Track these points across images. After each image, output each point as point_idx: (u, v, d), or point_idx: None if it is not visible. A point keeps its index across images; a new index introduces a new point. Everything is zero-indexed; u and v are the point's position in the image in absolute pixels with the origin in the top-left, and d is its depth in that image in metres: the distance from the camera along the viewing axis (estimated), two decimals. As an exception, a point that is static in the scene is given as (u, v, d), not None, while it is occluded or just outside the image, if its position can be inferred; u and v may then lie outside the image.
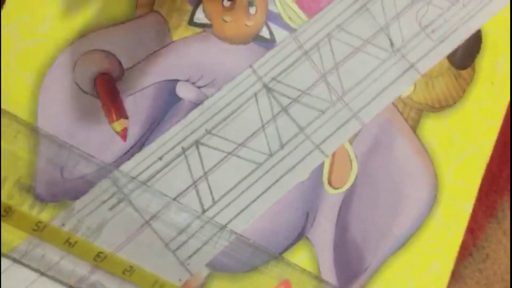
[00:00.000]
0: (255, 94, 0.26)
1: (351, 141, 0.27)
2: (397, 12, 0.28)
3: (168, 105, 0.25)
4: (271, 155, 0.26)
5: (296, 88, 0.27)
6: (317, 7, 0.27)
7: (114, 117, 0.25)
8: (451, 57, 0.28)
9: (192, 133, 0.25)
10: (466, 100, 0.29)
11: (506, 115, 0.29)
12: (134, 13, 0.25)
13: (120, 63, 0.25)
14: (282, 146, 0.26)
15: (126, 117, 0.25)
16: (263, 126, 0.26)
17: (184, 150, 0.25)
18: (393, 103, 0.28)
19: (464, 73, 0.29)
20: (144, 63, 0.25)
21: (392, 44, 0.28)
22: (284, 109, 0.26)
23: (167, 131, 0.25)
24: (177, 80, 0.26)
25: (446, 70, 0.28)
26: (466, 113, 0.28)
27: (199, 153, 0.25)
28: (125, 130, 0.25)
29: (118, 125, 0.25)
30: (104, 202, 0.24)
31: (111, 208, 0.24)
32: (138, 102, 0.25)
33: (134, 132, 0.25)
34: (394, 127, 0.28)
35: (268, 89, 0.26)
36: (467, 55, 0.29)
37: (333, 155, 0.27)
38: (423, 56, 0.28)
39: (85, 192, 0.24)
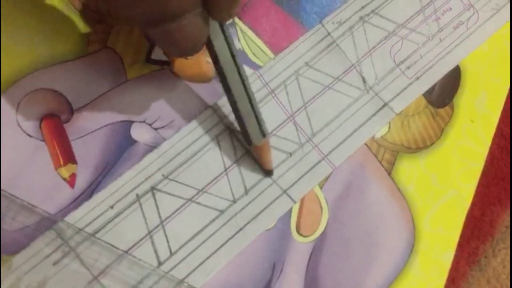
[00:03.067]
0: (217, 136, 0.24)
1: (321, 186, 0.25)
2: (369, 48, 0.26)
3: (121, 148, 0.24)
4: (234, 201, 0.24)
5: (261, 129, 0.25)
6: (283, 43, 0.26)
7: (61, 162, 0.23)
8: (427, 95, 0.27)
9: (147, 178, 0.24)
10: (445, 140, 0.27)
11: (490, 154, 0.27)
12: (86, 49, 0.23)
13: (69, 103, 0.23)
14: (246, 192, 0.24)
15: (75, 162, 0.23)
16: (225, 170, 0.24)
17: (138, 197, 0.23)
18: (366, 145, 0.26)
19: (442, 111, 0.27)
20: (95, 103, 0.23)
21: (364, 82, 0.26)
22: (249, 152, 0.25)
23: (120, 177, 0.23)
24: (132, 121, 0.24)
25: (423, 108, 0.27)
26: (444, 154, 0.27)
27: (155, 200, 0.23)
28: (73, 176, 0.23)
29: (66, 170, 0.23)
30: (47, 256, 0.22)
31: (55, 263, 0.22)
32: (88, 145, 0.23)
33: (84, 178, 0.23)
34: (367, 170, 0.26)
35: (231, 130, 0.25)
36: (445, 92, 0.27)
37: (302, 200, 0.25)
38: (398, 94, 0.26)
39: (26, 246, 0.22)
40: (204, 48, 0.24)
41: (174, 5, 0.16)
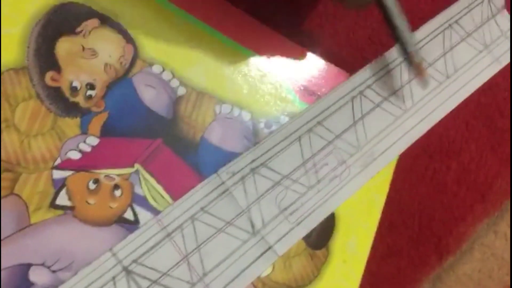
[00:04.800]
0: (113, 278, 0.26)
1: (210, 323, 0.28)
2: (258, 196, 0.30)
3: (18, 291, 0.25)
4: None
5: (156, 270, 0.27)
6: (182, 189, 0.29)
7: (-46, 307, 0.23)
8: (307, 238, 0.31)
9: (41, 320, 0.25)
10: (321, 279, 0.31)
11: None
12: (-9, 196, 0.25)
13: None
14: (138, 330, 0.26)
15: (-32, 306, 0.23)
16: (120, 309, 0.26)
17: None
18: (252, 284, 0.29)
19: (319, 253, 0.31)
20: (-4, 247, 0.24)
21: (253, 226, 0.30)
22: None
23: (14, 320, 0.24)
24: (31, 264, 0.25)
25: (303, 250, 0.31)
26: (321, 292, 0.30)
27: None
28: (-35, 320, 0.23)
29: (-42, 315, 0.23)
30: None
31: None
32: (-16, 289, 0.24)
33: (-24, 322, 0.23)
34: (252, 307, 0.29)
35: (128, 271, 0.27)
36: (321, 236, 0.31)
37: (191, 337, 0.27)
38: (281, 238, 0.30)
39: None
40: (109, 193, 0.26)
41: None
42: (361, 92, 0.34)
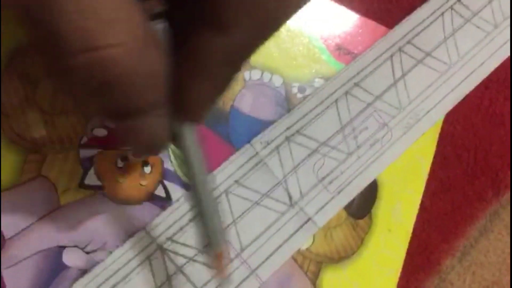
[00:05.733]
0: (149, 257, 0.25)
1: (250, 299, 0.27)
2: (294, 165, 0.29)
3: (53, 274, 0.24)
4: (165, 319, 0.25)
5: (192, 247, 0.26)
6: (214, 162, 0.27)
7: (-10, 293, 0.23)
8: (348, 208, 0.29)
9: (78, 302, 0.24)
10: (365, 249, 0.29)
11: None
12: (19, 179, 0.24)
13: (0, 233, 0.23)
14: (177, 309, 0.25)
15: (4, 292, 0.23)
16: (157, 289, 0.25)
17: (69, 321, 0.24)
18: (292, 257, 0.28)
19: (361, 222, 0.29)
20: (27, 231, 0.24)
21: (290, 197, 0.28)
22: (180, 269, 0.26)
23: (51, 303, 0.24)
24: (64, 247, 0.24)
25: (344, 220, 0.29)
26: (365, 263, 0.29)
27: (85, 325, 0.24)
28: (2, 306, 0.23)
29: (-5, 301, 0.23)
30: None
31: None
32: (19, 273, 0.24)
33: (13, 306, 0.23)
34: (293, 282, 0.27)
35: (163, 250, 0.26)
36: (363, 205, 0.29)
37: (231, 315, 0.26)
38: (321, 208, 0.28)
39: None
40: (138, 170, 0.25)
41: (133, 102, 0.15)
42: (400, 48, 0.31)
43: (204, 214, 0.21)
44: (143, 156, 0.25)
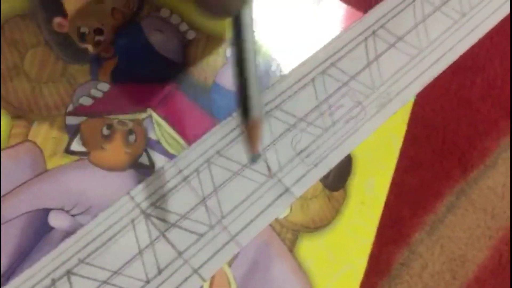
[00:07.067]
0: (132, 221, 0.26)
1: (230, 264, 0.28)
2: (273, 139, 0.30)
3: (39, 235, 0.25)
4: (148, 281, 0.26)
5: (175, 213, 0.27)
6: (196, 133, 0.29)
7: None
8: (324, 180, 0.30)
9: (63, 263, 0.25)
10: (339, 220, 0.30)
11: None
12: (7, 142, 0.25)
13: (-13, 194, 0.24)
14: (159, 272, 0.26)
15: (-9, 250, 0.24)
16: (140, 252, 0.26)
17: (54, 281, 0.24)
18: (270, 225, 0.29)
19: (336, 194, 0.31)
20: (14, 193, 0.25)
21: (269, 169, 0.29)
22: (163, 234, 0.27)
23: (36, 263, 0.24)
24: (50, 209, 0.25)
25: (320, 192, 0.30)
26: (339, 233, 0.30)
27: (70, 284, 0.25)
28: (-12, 263, 0.24)
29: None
30: None
31: None
32: (6, 233, 0.24)
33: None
34: (272, 248, 0.29)
35: (146, 215, 0.27)
36: (338, 178, 0.31)
37: (212, 278, 0.27)
38: (298, 180, 0.30)
39: None
40: (123, 139, 0.26)
41: None
42: (374, 32, 0.33)
43: (247, 82, 0.22)
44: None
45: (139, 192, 0.27)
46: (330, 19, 0.33)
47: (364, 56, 0.33)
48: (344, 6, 0.33)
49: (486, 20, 0.35)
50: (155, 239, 0.27)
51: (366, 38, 0.33)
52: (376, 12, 0.33)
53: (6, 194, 0.25)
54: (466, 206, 0.35)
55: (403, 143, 0.33)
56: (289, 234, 0.29)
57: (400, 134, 0.33)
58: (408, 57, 0.33)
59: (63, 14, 0.27)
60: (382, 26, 0.33)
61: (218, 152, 0.29)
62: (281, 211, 0.29)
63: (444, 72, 0.35)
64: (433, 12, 0.35)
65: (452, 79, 0.35)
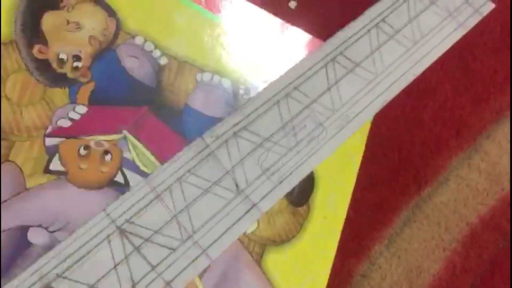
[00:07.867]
0: (108, 236, 0.28)
1: (201, 276, 0.29)
2: (241, 157, 0.32)
3: (18, 251, 0.26)
4: (122, 294, 0.27)
5: (148, 229, 0.29)
6: (169, 153, 0.30)
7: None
8: (288, 196, 0.33)
9: (41, 278, 0.26)
10: (303, 234, 0.32)
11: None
12: (-12, 162, 0.26)
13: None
14: (133, 285, 0.28)
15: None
16: (115, 266, 0.28)
17: (32, 295, 0.26)
18: (239, 239, 0.31)
19: (300, 210, 0.33)
20: (-6, 211, 0.26)
21: (237, 186, 0.31)
22: (137, 249, 0.28)
23: (16, 277, 0.26)
24: (29, 226, 0.26)
25: (285, 207, 0.32)
26: (303, 246, 0.32)
27: (48, 298, 0.26)
28: (-31, 279, 0.25)
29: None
30: None
31: None
32: (-15, 250, 0.25)
33: (-21, 280, 0.25)
34: (240, 261, 0.30)
35: (121, 230, 0.28)
36: (302, 194, 0.33)
37: (184, 290, 0.29)
38: (265, 196, 0.32)
39: None
40: (99, 158, 0.28)
41: None
42: (333, 59, 0.36)
43: None
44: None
45: (115, 209, 0.28)
46: (294, 47, 0.35)
47: (325, 81, 0.35)
48: (306, 35, 0.36)
49: (436, 47, 0.39)
50: (130, 254, 0.28)
51: (326, 64, 0.36)
52: (335, 40, 0.36)
53: (-13, 212, 0.26)
54: (421, 220, 0.37)
55: (362, 161, 0.35)
56: (257, 247, 0.31)
57: (359, 153, 0.35)
58: (365, 82, 0.36)
59: (43, 41, 0.29)
60: (341, 53, 0.36)
61: (189, 171, 0.31)
62: (249, 226, 0.31)
63: (399, 95, 0.37)
64: (388, 40, 0.38)
65: (406, 102, 0.38)
